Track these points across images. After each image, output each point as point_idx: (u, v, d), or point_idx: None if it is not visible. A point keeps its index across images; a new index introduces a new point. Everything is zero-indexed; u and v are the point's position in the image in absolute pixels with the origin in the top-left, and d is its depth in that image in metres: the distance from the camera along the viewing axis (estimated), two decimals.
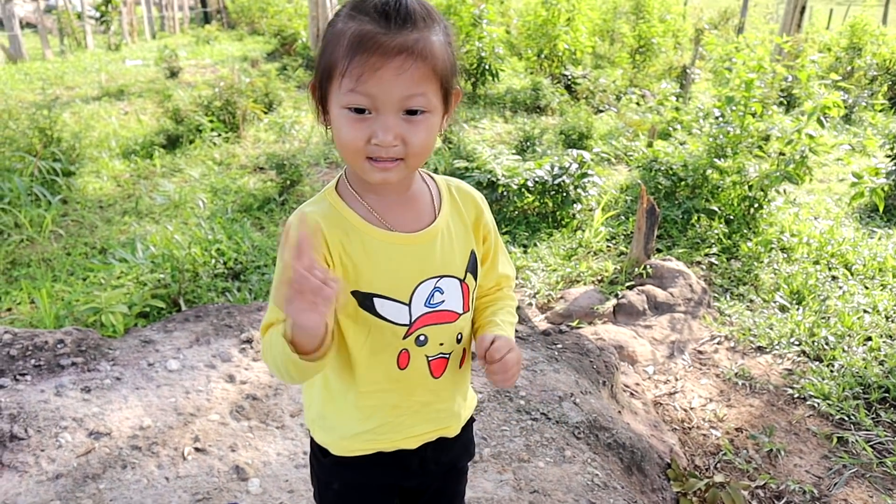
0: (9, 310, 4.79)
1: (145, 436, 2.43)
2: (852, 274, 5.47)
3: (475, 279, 1.35)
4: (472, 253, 1.34)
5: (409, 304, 1.27)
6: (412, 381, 1.32)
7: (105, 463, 2.29)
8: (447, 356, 1.34)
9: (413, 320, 1.27)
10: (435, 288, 1.29)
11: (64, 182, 6.49)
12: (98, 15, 15.72)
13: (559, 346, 3.48)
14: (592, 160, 6.53)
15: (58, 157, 6.74)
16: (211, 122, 7.92)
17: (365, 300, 1.24)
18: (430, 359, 1.32)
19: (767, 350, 4.55)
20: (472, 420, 1.51)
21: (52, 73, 12.53)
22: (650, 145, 7.56)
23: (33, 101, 9.79)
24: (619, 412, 3.40)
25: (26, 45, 14.23)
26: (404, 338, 1.28)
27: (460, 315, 1.33)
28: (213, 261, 5.10)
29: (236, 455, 2.37)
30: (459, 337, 1.35)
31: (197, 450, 2.38)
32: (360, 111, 1.12)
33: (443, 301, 1.30)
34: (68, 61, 13.87)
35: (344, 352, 1.28)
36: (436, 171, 6.55)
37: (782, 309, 5.02)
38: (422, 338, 1.29)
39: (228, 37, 17.98)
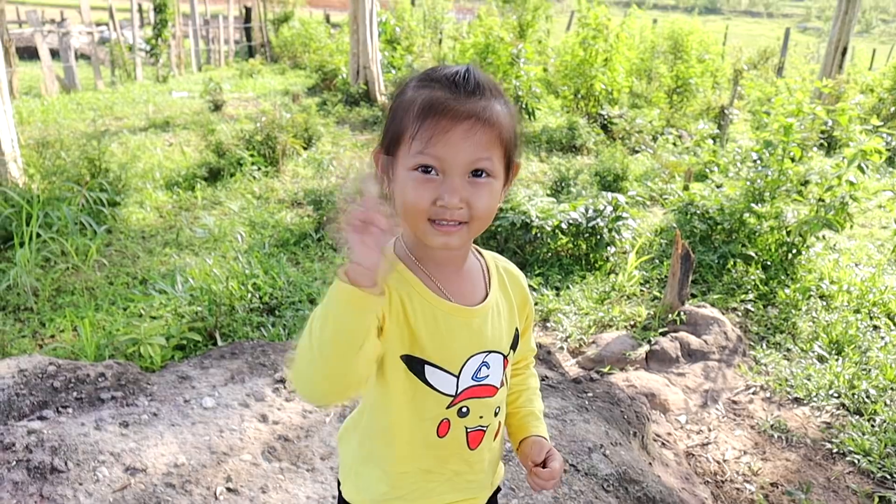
0: (52, 336, 4.92)
1: (179, 473, 2.47)
2: (895, 324, 5.37)
3: (514, 354, 1.41)
4: (516, 330, 1.40)
5: (458, 376, 1.29)
6: (449, 450, 1.34)
7: (140, 499, 2.33)
8: (484, 429, 1.36)
9: (459, 392, 1.30)
10: (483, 363, 1.32)
11: (109, 212, 6.67)
12: (148, 48, 16.22)
13: (589, 394, 3.47)
14: (627, 202, 6.53)
15: (105, 188, 6.93)
16: (252, 156, 8.10)
17: (416, 366, 1.26)
18: (468, 430, 1.34)
19: (805, 402, 4.48)
20: (498, 489, 1.54)
21: (103, 103, 12.94)
22: (686, 188, 7.54)
23: (84, 131, 10.11)
24: (650, 464, 3.36)
25: (80, 76, 14.71)
26: (448, 407, 1.30)
27: (499, 389, 1.36)
28: (250, 295, 5.18)
29: (267, 497, 2.40)
30: (497, 410, 1.38)
31: (229, 489, 2.42)
32: (427, 171, 1.16)
33: (488, 376, 1.33)
34: (118, 92, 14.31)
35: (384, 415, 1.30)
36: None
37: (821, 359, 4.94)
38: (464, 409, 1.32)
39: (271, 70, 18.40)
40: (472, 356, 1.30)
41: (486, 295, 1.33)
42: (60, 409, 2.75)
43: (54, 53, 14.71)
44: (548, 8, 15.74)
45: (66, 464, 2.45)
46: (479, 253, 1.40)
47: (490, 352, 1.32)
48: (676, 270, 5.29)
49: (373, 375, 1.27)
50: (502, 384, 1.38)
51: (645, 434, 3.43)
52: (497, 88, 1.21)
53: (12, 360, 3.01)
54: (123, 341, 4.51)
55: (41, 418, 2.67)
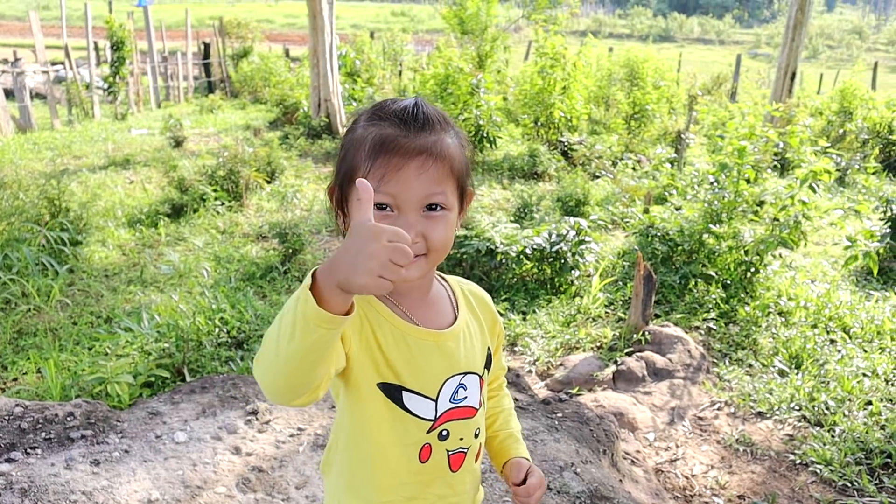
0: (14, 379, 4.83)
1: None
2: (850, 337, 5.53)
3: (488, 374, 1.43)
4: (489, 349, 1.43)
5: (436, 400, 1.30)
6: (431, 474, 1.35)
7: None
8: (465, 450, 1.38)
9: (438, 415, 1.31)
10: (459, 384, 1.34)
11: (71, 251, 6.60)
12: (106, 86, 16.12)
13: (559, 414, 3.53)
14: (589, 226, 6.65)
15: (65, 227, 6.86)
16: (215, 191, 8.09)
17: (394, 393, 1.27)
18: (450, 453, 1.35)
19: (768, 415, 4.58)
20: None
21: (61, 142, 12.79)
22: (646, 211, 7.70)
23: (42, 171, 10.00)
24: (621, 481, 3.42)
25: (35, 116, 14.55)
26: (428, 432, 1.31)
27: (478, 410, 1.38)
28: (217, 330, 5.16)
29: None
30: (477, 432, 1.40)
31: None
32: (381, 208, 1.18)
33: (465, 398, 1.35)
34: (76, 131, 14.16)
35: (364, 444, 1.31)
36: None
37: (781, 373, 5.06)
38: (444, 432, 1.32)
39: (231, 105, 18.40)
40: (448, 379, 1.32)
41: (455, 318, 1.36)
42: (29, 450, 2.72)
43: (8, 94, 14.55)
44: (506, 38, 16.03)
45: None
46: (443, 279, 1.42)
47: (466, 373, 1.34)
48: (639, 291, 5.40)
49: (347, 403, 1.29)
50: (481, 404, 1.39)
51: (615, 452, 3.49)
52: (446, 120, 1.24)
53: None
54: (90, 381, 4.45)
55: (9, 461, 2.64)
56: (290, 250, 6.45)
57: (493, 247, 6.23)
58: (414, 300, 1.32)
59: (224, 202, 8.11)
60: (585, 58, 12.74)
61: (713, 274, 6.38)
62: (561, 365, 5.19)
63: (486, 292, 1.49)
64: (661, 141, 13.04)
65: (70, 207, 7.19)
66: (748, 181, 6.62)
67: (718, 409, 4.75)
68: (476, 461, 1.43)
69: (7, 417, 2.90)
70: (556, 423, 3.34)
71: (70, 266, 6.41)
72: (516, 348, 5.44)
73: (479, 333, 1.40)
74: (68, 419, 2.94)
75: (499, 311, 5.74)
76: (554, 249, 6.26)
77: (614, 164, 10.97)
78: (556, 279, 6.41)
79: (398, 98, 1.26)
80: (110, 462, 2.70)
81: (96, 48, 18.33)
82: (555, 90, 11.88)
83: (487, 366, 1.42)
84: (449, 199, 1.22)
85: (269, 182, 9.05)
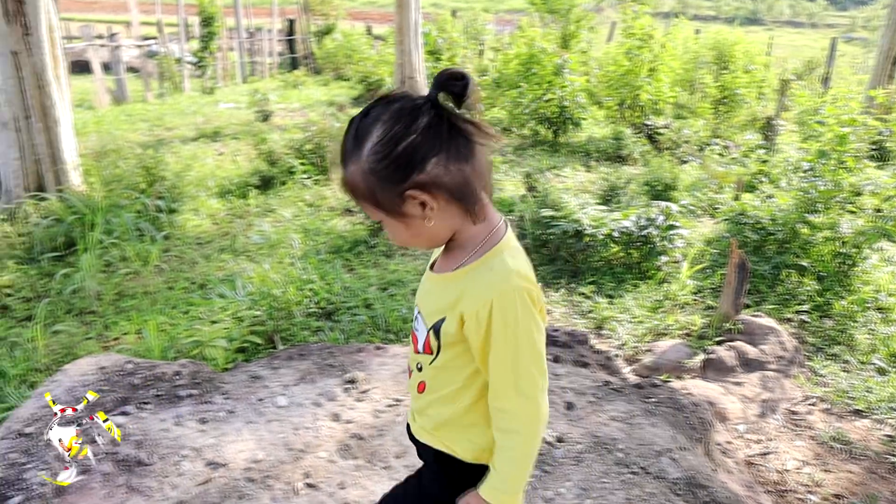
0: (116, 339, 5.05)
1: (259, 469, 2.53)
2: None
3: (437, 342, 1.46)
4: (442, 320, 1.43)
5: (414, 321, 1.54)
6: (410, 390, 1.61)
7: (223, 493, 2.40)
8: (416, 378, 1.56)
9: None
10: (418, 314, 1.52)
11: (167, 219, 6.82)
12: (195, 60, 16.57)
13: (653, 399, 3.47)
14: (680, 211, 6.50)
15: (161, 195, 7.11)
16: (302, 164, 8.23)
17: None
18: (410, 371, 1.58)
19: (866, 414, 4.40)
20: (446, 460, 1.54)
21: (153, 114, 13.24)
22: (737, 198, 7.47)
23: (137, 141, 10.37)
24: (714, 470, 3.35)
25: (129, 88, 15.08)
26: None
27: (419, 351, 1.51)
28: (307, 300, 5.27)
29: (345, 493, 2.45)
30: (419, 366, 1.53)
31: (308, 485, 2.47)
32: None
33: (418, 330, 1.51)
34: (167, 103, 14.63)
35: None
36: (522, 218, 6.63)
37: (881, 372, 4.86)
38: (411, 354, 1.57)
39: (315, 82, 18.65)
40: (418, 309, 1.52)
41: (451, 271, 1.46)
42: (141, 405, 2.84)
43: (105, 67, 15.11)
44: (591, 19, 15.72)
45: (150, 457, 2.53)
46: (485, 254, 1.41)
47: (420, 311, 1.51)
48: (732, 279, 5.25)
49: None
50: (420, 352, 1.51)
51: (709, 441, 3.41)
52: (358, 144, 1.31)
53: (92, 358, 3.11)
54: (187, 343, 4.62)
55: (123, 413, 2.76)
56: (377, 225, 6.51)
57: (580, 228, 6.15)
58: (442, 253, 1.50)
59: (311, 175, 8.25)
60: (674, 39, 12.39)
61: (807, 265, 6.14)
62: (649, 350, 5.11)
63: (496, 292, 1.36)
64: (750, 127, 12.60)
65: (165, 176, 7.43)
66: (848, 170, 6.33)
67: (812, 404, 4.59)
68: (420, 393, 1.55)
69: (120, 373, 3.02)
70: (652, 407, 3.28)
71: (166, 233, 6.64)
72: (603, 332, 5.37)
73: (445, 299, 1.43)
74: (175, 378, 3.05)
75: (584, 294, 5.69)
76: (642, 234, 6.14)
77: (701, 150, 10.67)
78: (642, 264, 6.29)
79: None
80: (216, 421, 2.79)
81: (186, 24, 18.83)
82: (642, 72, 11.60)
83: (436, 333, 1.45)
84: (375, 214, 1.37)
85: None
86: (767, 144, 10.50)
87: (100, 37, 16.32)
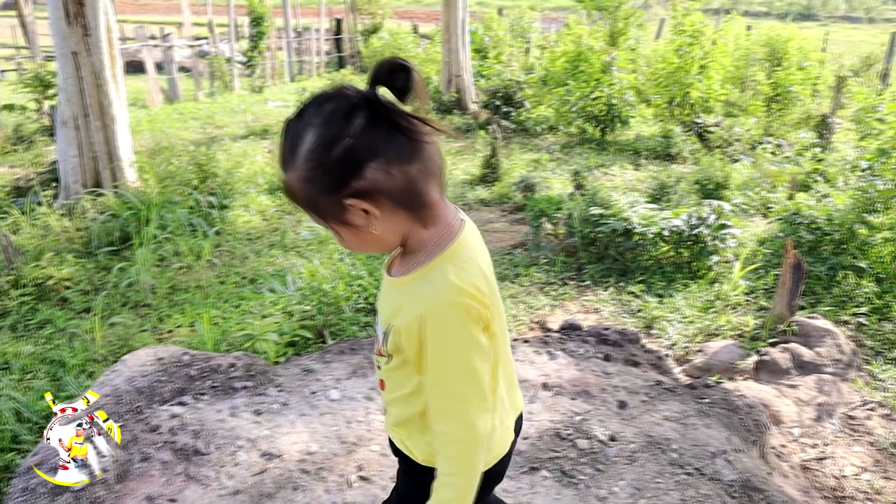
0: (170, 331, 5.16)
1: (313, 461, 2.56)
2: None
3: (385, 348, 1.41)
4: (390, 328, 1.38)
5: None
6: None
7: (278, 484, 2.43)
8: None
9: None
10: (377, 316, 1.48)
11: (218, 215, 6.94)
12: (245, 60, 16.83)
13: (707, 400, 3.41)
14: (732, 210, 6.39)
15: (213, 192, 7.24)
16: None
17: None
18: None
19: None
20: (406, 459, 1.53)
21: (204, 112, 13.49)
22: (791, 197, 7.30)
23: (190, 139, 10.57)
24: (770, 474, 3.28)
25: (181, 88, 15.39)
26: None
27: (381, 353, 1.45)
28: (356, 296, 5.31)
29: None
30: (379, 365, 1.48)
31: (361, 478, 2.49)
32: None
33: (377, 331, 1.48)
34: (217, 102, 14.89)
35: None
36: (570, 216, 6.58)
37: None
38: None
39: (361, 80, 18.65)
40: (378, 313, 1.48)
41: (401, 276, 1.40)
42: (197, 395, 2.89)
43: (157, 67, 15.44)
44: (640, 16, 15.53)
45: (207, 447, 2.58)
46: (429, 263, 1.33)
47: (378, 314, 1.48)
48: (786, 280, 5.14)
49: None
50: (380, 354, 1.45)
51: (764, 443, 3.35)
52: (293, 152, 1.24)
53: (150, 349, 3.18)
54: (239, 337, 4.70)
55: (181, 404, 2.81)
56: None
57: (629, 227, 6.08)
58: (398, 257, 1.42)
59: None
60: (725, 35, 12.17)
61: (865, 266, 5.98)
62: (700, 351, 5.03)
63: (428, 309, 1.29)
64: (804, 125, 12.32)
65: (217, 173, 7.56)
66: None
67: (871, 409, 4.46)
68: (381, 390, 1.53)
69: (177, 364, 3.09)
70: (706, 408, 3.23)
71: (217, 229, 6.75)
72: (652, 331, 5.30)
73: (390, 307, 1.40)
74: (230, 370, 3.10)
75: (634, 293, 5.62)
76: (693, 233, 6.05)
77: (753, 148, 10.46)
78: (693, 263, 6.19)
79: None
80: (270, 413, 2.83)
81: (236, 24, 19.14)
82: (692, 69, 11.42)
83: (385, 341, 1.40)
84: (318, 219, 1.31)
85: None
86: (822, 143, 10.25)
87: (153, 37, 16.69)
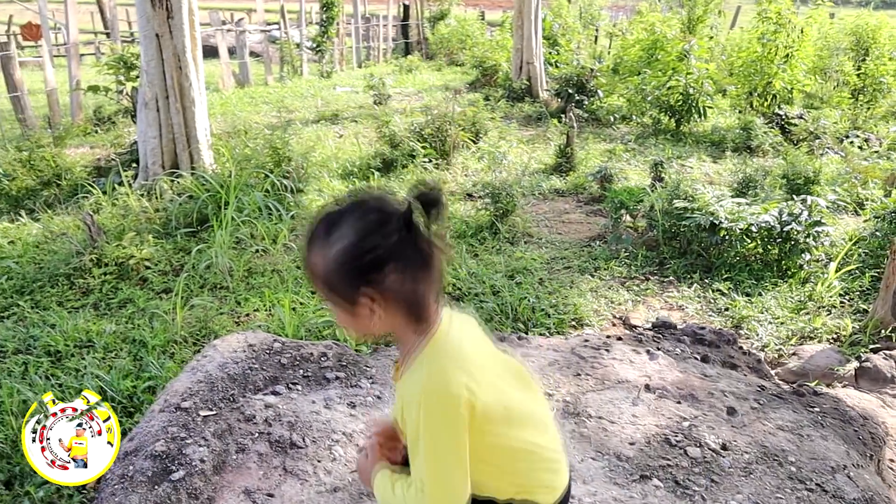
0: (247, 315, 5.14)
1: None
2: None
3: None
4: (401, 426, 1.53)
5: None
6: None
7: None
8: None
9: None
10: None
11: (294, 199, 6.92)
12: (314, 45, 16.88)
13: (817, 409, 3.20)
14: (828, 207, 6.07)
15: (287, 175, 7.22)
16: (423, 148, 8.19)
17: None
18: None
19: None
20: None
21: (274, 97, 13.57)
22: (888, 194, 6.92)
23: (263, 122, 10.62)
24: (889, 490, 3.06)
25: (252, 72, 15.52)
26: None
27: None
28: None
29: None
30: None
31: None
32: None
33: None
34: (287, 87, 14.98)
35: None
36: (652, 208, 6.35)
37: None
38: None
39: (428, 67, 18.67)
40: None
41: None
42: (290, 385, 2.82)
43: (229, 51, 15.60)
44: (719, 3, 15.01)
45: (303, 440, 2.50)
46: (415, 361, 1.46)
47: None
48: (892, 282, 4.84)
49: None
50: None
51: (881, 458, 3.12)
52: (325, 236, 1.39)
53: (241, 335, 3.12)
54: (318, 323, 4.64)
55: (275, 393, 2.75)
56: (502, 210, 6.38)
57: (715, 221, 5.83)
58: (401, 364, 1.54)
59: (431, 159, 8.20)
60: (814, 23, 11.65)
61: None
62: (794, 354, 4.78)
63: (421, 394, 1.42)
64: (893, 118, 11.74)
65: (291, 157, 7.55)
66: None
67: None
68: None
69: (268, 351, 3.02)
70: (819, 418, 3.02)
71: (293, 213, 6.73)
72: (742, 331, 5.07)
73: (398, 408, 1.52)
74: (322, 359, 3.02)
75: (720, 290, 5.39)
76: (784, 230, 5.76)
77: (840, 142, 9.98)
78: (782, 262, 5.91)
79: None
80: (365, 406, 2.74)
81: (306, 11, 19.21)
82: (776, 58, 10.96)
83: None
84: (326, 297, 1.45)
85: (474, 142, 9.06)
86: None
87: (224, 22, 16.86)
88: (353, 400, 2.76)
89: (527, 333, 4.45)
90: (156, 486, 2.22)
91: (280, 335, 4.45)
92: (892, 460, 3.76)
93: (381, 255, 1.35)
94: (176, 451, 2.36)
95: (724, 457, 2.60)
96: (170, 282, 5.61)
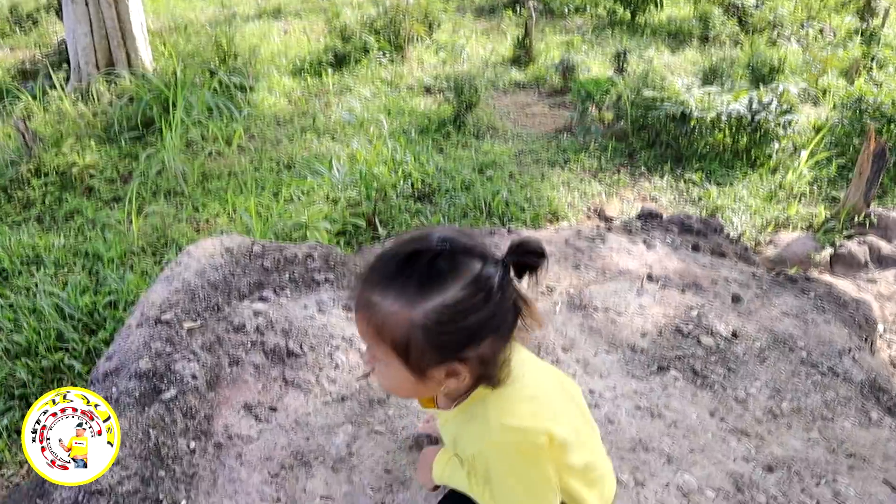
0: (207, 221, 4.85)
1: None
2: None
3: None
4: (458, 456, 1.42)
5: None
6: None
7: None
8: None
9: None
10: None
11: (245, 98, 6.51)
12: None
13: (811, 294, 3.16)
14: (797, 96, 5.99)
15: (235, 72, 6.76)
16: (377, 41, 7.76)
17: None
18: None
19: None
20: None
21: None
22: (852, 82, 6.88)
23: (198, 19, 9.91)
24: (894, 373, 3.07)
25: None
26: None
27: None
28: (402, 182, 4.98)
29: None
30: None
31: None
32: None
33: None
34: None
35: None
36: (619, 99, 6.17)
37: None
38: None
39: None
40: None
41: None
42: (278, 290, 2.62)
43: None
44: None
45: (300, 347, 2.32)
46: (472, 399, 1.28)
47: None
48: (865, 169, 4.82)
49: None
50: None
51: (874, 340, 3.12)
52: (420, 288, 1.10)
53: (215, 240, 2.87)
54: (289, 225, 4.40)
55: (262, 299, 2.54)
56: (466, 104, 6.11)
57: (686, 111, 5.70)
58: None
59: (386, 53, 7.79)
60: None
61: None
62: (771, 242, 4.77)
63: (485, 450, 1.25)
64: (845, 9, 11.64)
65: (238, 54, 7.06)
66: None
67: None
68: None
69: (248, 255, 2.79)
70: (818, 303, 2.98)
71: (245, 112, 6.33)
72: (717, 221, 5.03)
73: (449, 436, 1.41)
74: (308, 261, 2.81)
75: (693, 181, 5.31)
76: (756, 119, 5.67)
77: (796, 33, 9.86)
78: (752, 151, 5.85)
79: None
80: None
81: None
82: None
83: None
84: (382, 354, 1.17)
85: (428, 35, 8.63)
86: (865, 28, 9.69)
87: None
88: (349, 303, 2.58)
89: (504, 228, 4.31)
90: (146, 408, 2.02)
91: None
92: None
93: (484, 321, 1.11)
94: (163, 368, 2.15)
95: (736, 344, 2.53)
96: (118, 190, 5.25)
